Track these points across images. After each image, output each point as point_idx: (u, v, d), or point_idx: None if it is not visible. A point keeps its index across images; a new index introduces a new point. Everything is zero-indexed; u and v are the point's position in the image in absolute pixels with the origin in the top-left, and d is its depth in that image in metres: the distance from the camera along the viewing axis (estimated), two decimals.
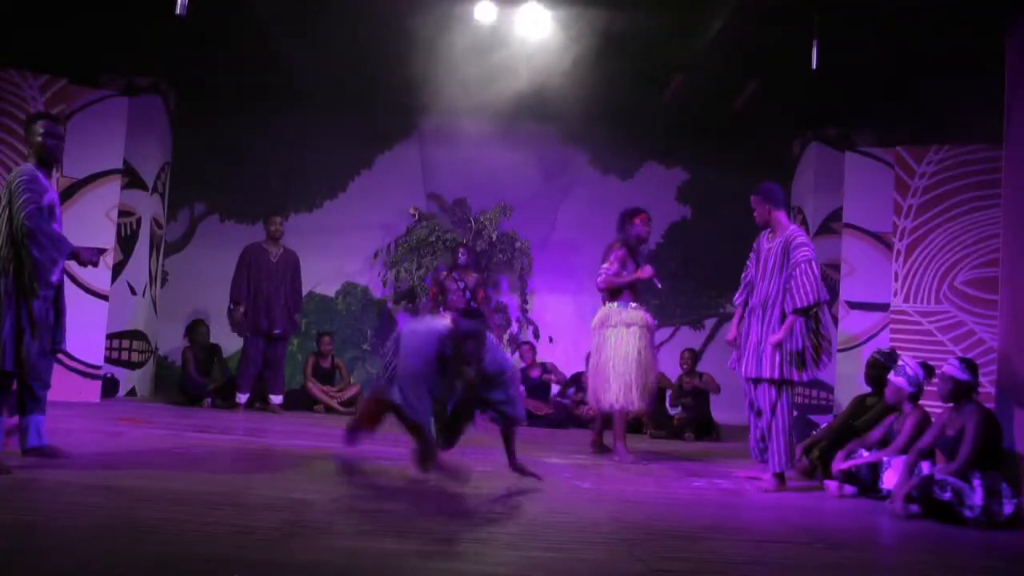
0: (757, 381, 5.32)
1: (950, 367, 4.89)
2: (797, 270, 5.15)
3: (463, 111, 9.55)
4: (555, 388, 9.34)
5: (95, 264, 4.83)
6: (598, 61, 8.05)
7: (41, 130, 4.65)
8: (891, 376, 5.39)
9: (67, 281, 4.92)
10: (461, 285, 9.00)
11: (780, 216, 5.45)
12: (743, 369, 5.41)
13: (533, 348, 9.52)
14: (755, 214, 5.51)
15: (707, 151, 10.53)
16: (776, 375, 5.19)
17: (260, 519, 3.56)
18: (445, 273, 9.18)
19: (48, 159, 4.72)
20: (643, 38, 7.77)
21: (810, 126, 9.60)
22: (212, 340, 9.08)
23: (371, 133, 10.44)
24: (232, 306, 8.51)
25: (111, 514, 3.52)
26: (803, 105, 9.13)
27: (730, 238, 10.56)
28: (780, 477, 5.24)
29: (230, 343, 9.08)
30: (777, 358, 5.19)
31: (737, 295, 5.65)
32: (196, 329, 8.96)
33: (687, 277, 10.64)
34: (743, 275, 5.64)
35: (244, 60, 8.76)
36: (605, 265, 6.48)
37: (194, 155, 10.03)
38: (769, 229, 5.50)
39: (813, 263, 5.18)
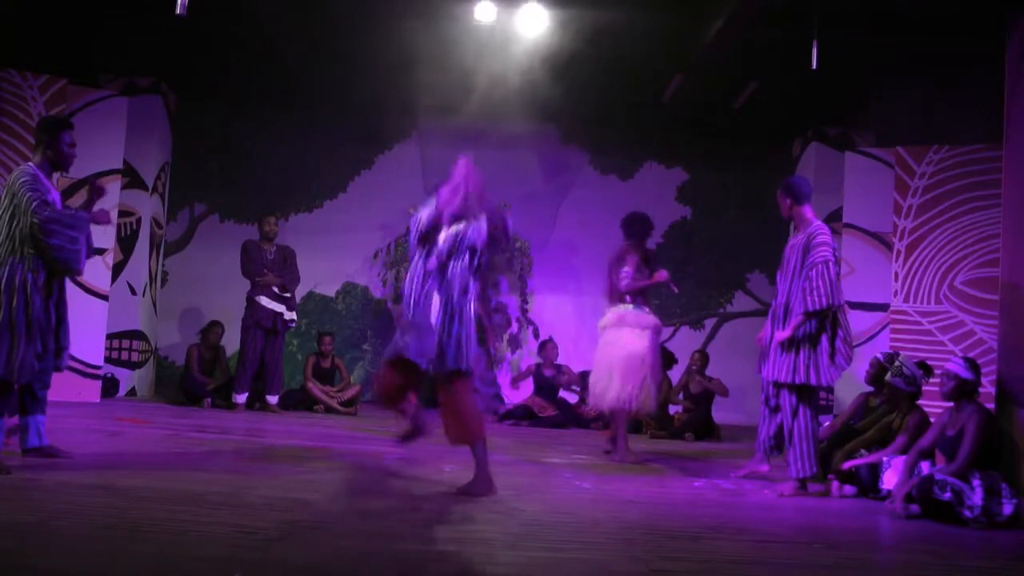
0: (778, 384, 5.25)
1: (954, 365, 4.88)
2: (813, 271, 5.05)
3: (463, 111, 9.54)
4: (562, 393, 9.26)
5: (108, 222, 5.14)
6: (598, 61, 8.05)
7: (68, 141, 4.76)
8: (889, 377, 5.38)
9: (67, 281, 4.90)
10: None
11: (804, 211, 5.32)
12: (766, 371, 5.31)
13: (555, 348, 9.43)
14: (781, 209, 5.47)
15: (707, 151, 10.55)
16: (792, 380, 5.09)
17: (260, 519, 3.56)
18: None
19: (63, 166, 4.84)
20: (643, 38, 7.77)
21: (810, 126, 9.60)
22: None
23: (371, 133, 10.45)
24: (258, 280, 8.40)
25: (111, 514, 3.51)
26: (803, 105, 9.14)
27: (730, 238, 10.62)
28: (801, 483, 5.18)
29: (231, 343, 9.07)
30: (794, 362, 5.08)
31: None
32: (211, 329, 8.97)
33: (687, 277, 10.64)
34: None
35: (244, 60, 8.77)
36: (626, 268, 6.44)
37: (194, 155, 10.05)
38: (794, 227, 5.45)
39: (831, 264, 5.06)
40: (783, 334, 5.13)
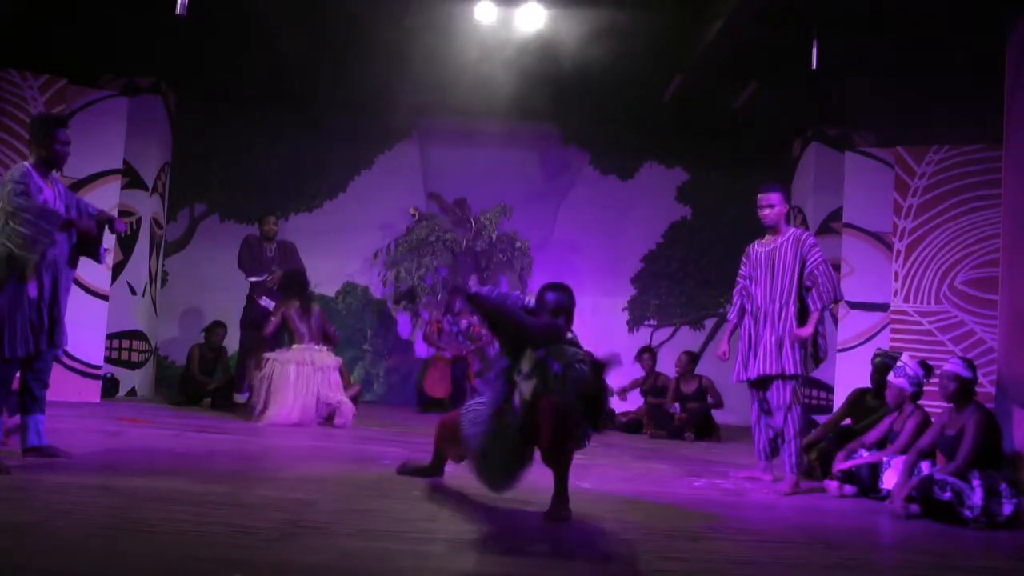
0: (770, 380, 5.35)
1: (953, 365, 4.88)
2: (818, 270, 5.35)
3: (463, 111, 9.54)
4: None
5: (123, 232, 5.22)
6: (598, 60, 8.05)
7: (62, 138, 4.71)
8: (891, 377, 5.38)
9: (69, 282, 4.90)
10: (455, 330, 9.44)
11: (783, 218, 5.60)
12: (757, 369, 5.39)
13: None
14: (767, 212, 5.47)
15: (707, 151, 10.56)
16: (798, 371, 5.29)
17: (260, 519, 3.55)
18: (440, 318, 9.61)
19: (57, 163, 4.78)
20: (643, 38, 7.78)
21: (810, 126, 9.60)
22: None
23: (371, 133, 10.45)
24: (255, 280, 8.40)
25: (111, 514, 3.51)
26: (803, 105, 9.14)
27: (730, 238, 10.60)
28: (798, 478, 5.27)
29: (230, 343, 9.07)
30: (799, 355, 5.29)
31: (731, 312, 5.74)
32: (214, 330, 8.97)
33: (687, 277, 10.65)
34: (735, 293, 5.69)
35: (244, 60, 8.76)
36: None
37: (194, 155, 10.05)
38: (765, 234, 5.57)
39: (828, 263, 5.43)
40: (805, 330, 5.30)
